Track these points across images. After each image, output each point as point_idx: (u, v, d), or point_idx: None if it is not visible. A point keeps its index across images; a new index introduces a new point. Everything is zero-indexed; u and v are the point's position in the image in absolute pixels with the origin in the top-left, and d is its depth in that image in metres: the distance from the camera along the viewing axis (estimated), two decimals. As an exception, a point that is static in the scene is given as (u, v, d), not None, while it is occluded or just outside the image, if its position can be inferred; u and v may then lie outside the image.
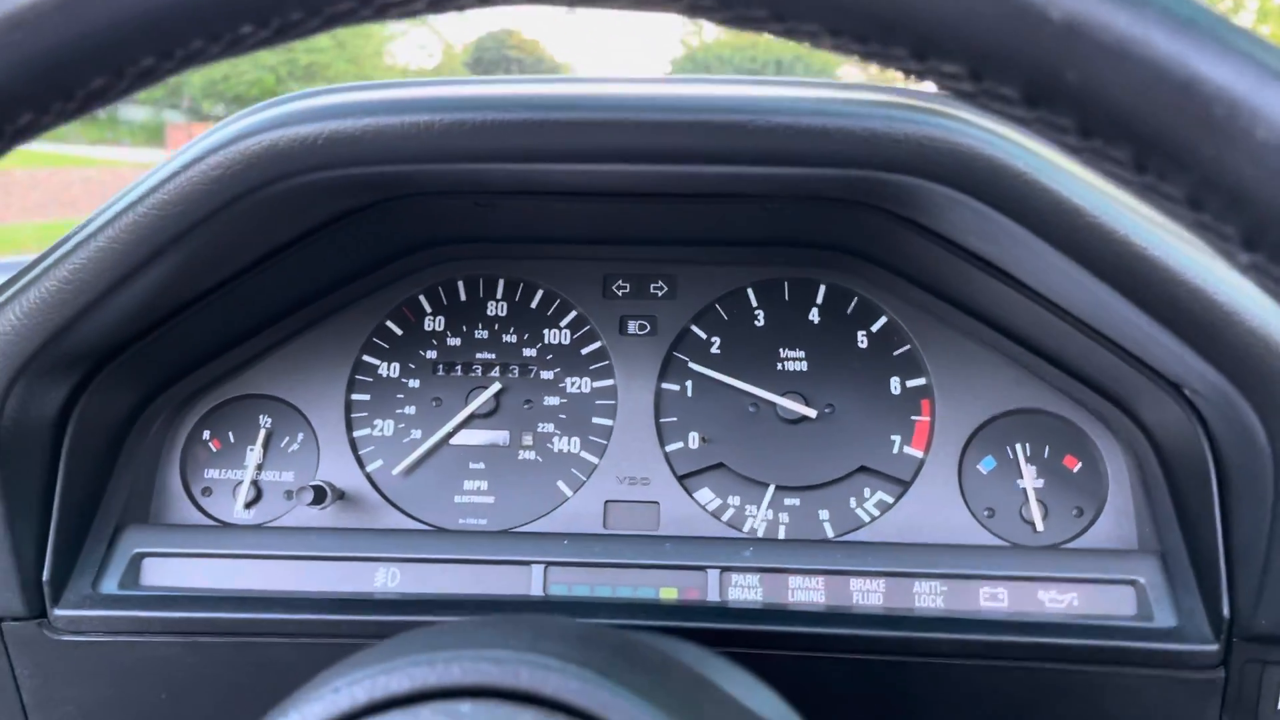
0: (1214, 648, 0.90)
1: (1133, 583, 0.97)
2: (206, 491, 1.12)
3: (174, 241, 0.85)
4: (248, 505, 1.10)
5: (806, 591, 1.00)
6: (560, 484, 1.12)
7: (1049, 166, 0.77)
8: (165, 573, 1.03)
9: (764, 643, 0.95)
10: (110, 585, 1.00)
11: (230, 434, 1.13)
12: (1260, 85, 0.33)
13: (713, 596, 1.00)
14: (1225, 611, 0.89)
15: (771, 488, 1.09)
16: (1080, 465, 1.07)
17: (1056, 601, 0.98)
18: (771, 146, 0.79)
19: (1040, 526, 1.05)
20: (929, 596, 0.99)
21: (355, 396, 1.14)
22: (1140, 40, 0.32)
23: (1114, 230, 0.77)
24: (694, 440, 1.12)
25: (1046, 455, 1.08)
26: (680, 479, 1.11)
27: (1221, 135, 0.33)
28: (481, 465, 1.13)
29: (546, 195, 1.01)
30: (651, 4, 0.34)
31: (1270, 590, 0.85)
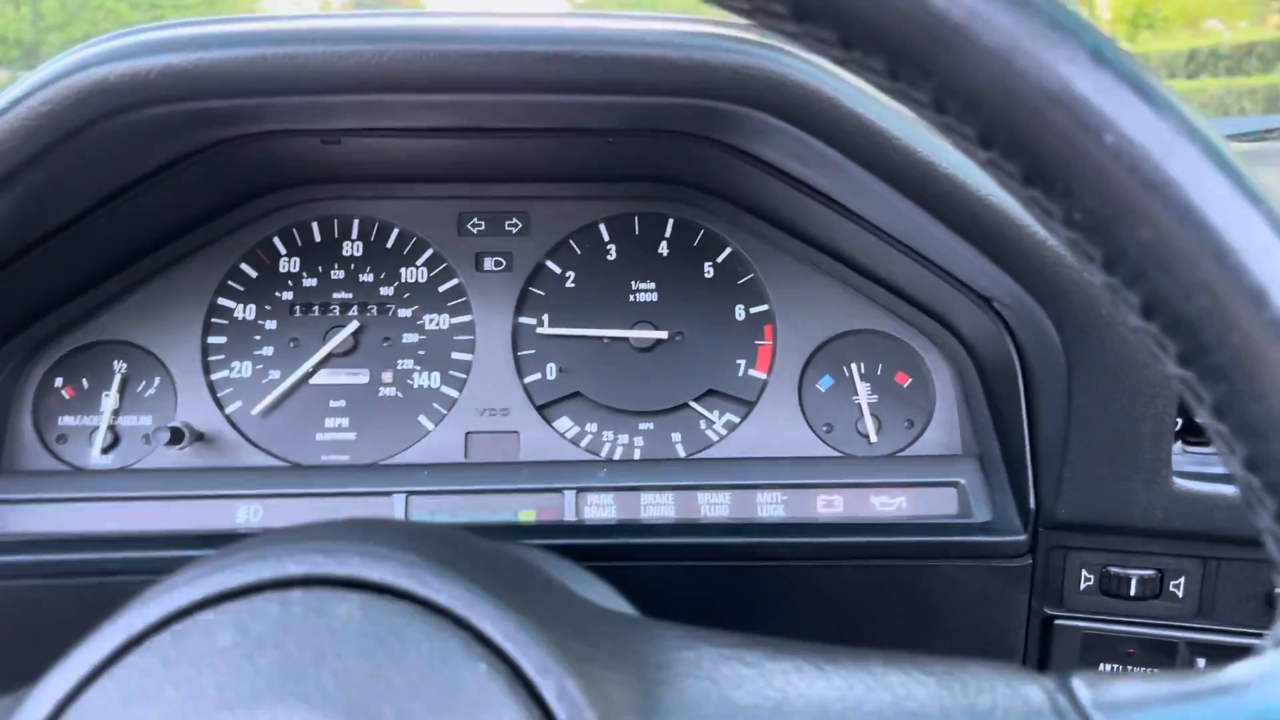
0: (1022, 538, 0.98)
1: (955, 484, 1.05)
2: (61, 439, 1.11)
3: (4, 181, 0.84)
4: (105, 450, 1.11)
5: (658, 507, 1.06)
6: (421, 418, 1.15)
7: (857, 93, 0.83)
8: (22, 519, 1.03)
9: (619, 555, 1.00)
10: None
11: (84, 381, 1.13)
12: (986, -1, 0.38)
13: (569, 516, 1.05)
14: (1031, 504, 0.98)
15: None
16: (911, 381, 1.15)
17: (887, 505, 1.06)
18: (598, 75, 0.83)
19: (874, 438, 1.13)
20: (770, 506, 1.06)
21: (211, 340, 1.15)
22: None
23: (916, 151, 0.83)
24: (551, 371, 1.16)
25: (880, 372, 1.15)
26: (539, 409, 1.15)
27: (955, 45, 0.38)
28: (343, 403, 1.15)
29: (394, 132, 1.03)
30: None
31: (1068, 483, 0.94)
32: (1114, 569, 0.97)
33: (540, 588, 0.61)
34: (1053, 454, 0.96)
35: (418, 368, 1.16)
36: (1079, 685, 0.45)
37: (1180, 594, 0.96)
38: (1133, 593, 0.96)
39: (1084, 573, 0.98)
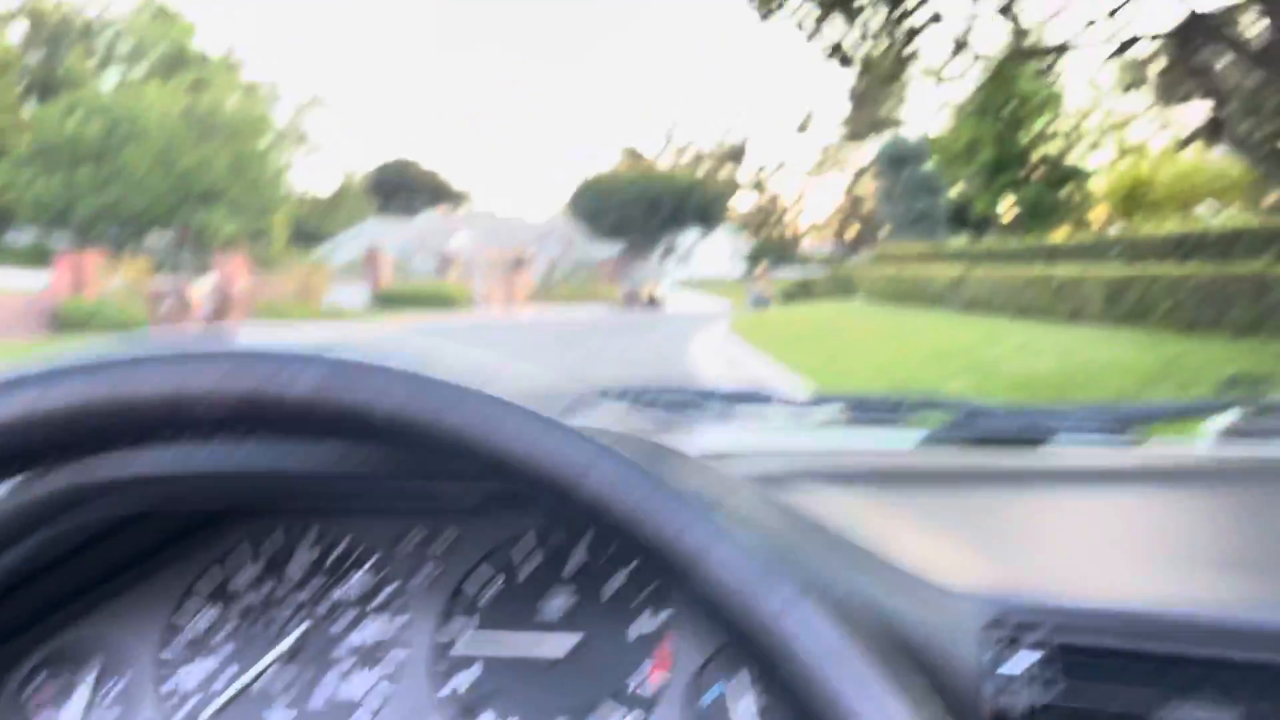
0: None
1: None
2: None
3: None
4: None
5: None
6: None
7: None
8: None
9: None
10: None
11: (67, 675, 1.25)
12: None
13: None
14: None
15: None
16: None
17: None
18: None
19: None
20: None
21: (164, 655, 1.27)
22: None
23: None
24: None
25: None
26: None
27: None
28: (288, 703, 1.26)
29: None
30: None
31: None
32: None
33: None
34: None
35: (357, 669, 1.27)
36: None
37: None
38: None
39: None
